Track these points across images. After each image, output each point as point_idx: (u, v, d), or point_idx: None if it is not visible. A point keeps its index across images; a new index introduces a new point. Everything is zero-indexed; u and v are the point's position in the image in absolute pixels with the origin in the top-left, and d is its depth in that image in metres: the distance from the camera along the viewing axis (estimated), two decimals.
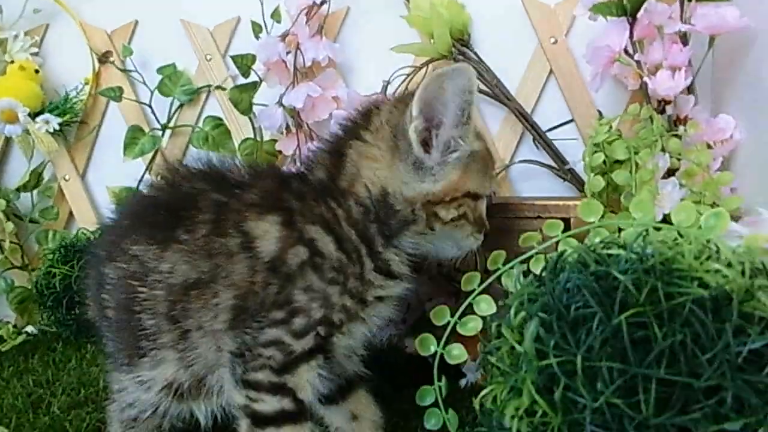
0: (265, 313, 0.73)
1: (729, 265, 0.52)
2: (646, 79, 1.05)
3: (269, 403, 0.71)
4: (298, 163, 1.23)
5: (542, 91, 1.25)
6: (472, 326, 0.75)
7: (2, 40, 1.47)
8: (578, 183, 1.19)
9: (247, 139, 1.35)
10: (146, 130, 1.42)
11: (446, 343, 0.77)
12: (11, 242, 1.47)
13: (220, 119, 1.39)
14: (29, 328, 1.44)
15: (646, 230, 0.58)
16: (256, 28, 1.28)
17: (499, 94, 1.23)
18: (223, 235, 0.75)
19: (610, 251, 0.56)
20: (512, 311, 0.57)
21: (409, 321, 1.09)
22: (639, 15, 1.03)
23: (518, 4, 1.23)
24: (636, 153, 0.99)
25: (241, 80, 1.34)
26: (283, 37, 1.23)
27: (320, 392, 0.77)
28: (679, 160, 1.02)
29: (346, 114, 0.91)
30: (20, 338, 1.35)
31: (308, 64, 1.23)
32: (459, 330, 0.76)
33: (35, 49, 1.49)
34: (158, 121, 1.43)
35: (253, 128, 1.35)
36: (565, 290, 0.54)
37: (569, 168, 1.20)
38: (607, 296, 0.51)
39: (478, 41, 1.25)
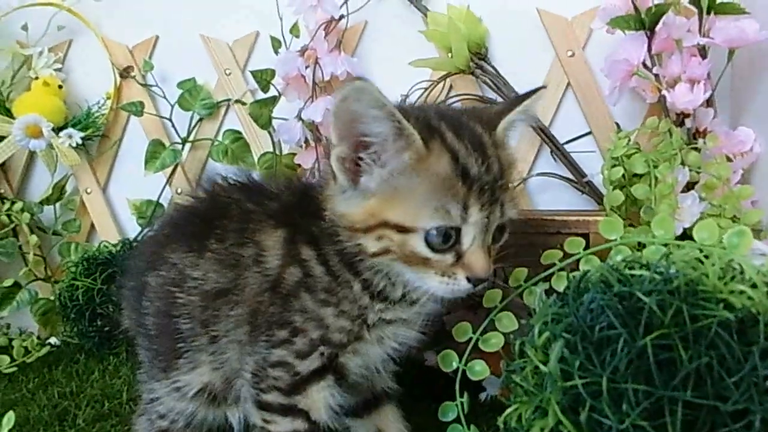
0: (271, 332, 0.73)
1: (754, 285, 0.52)
2: (664, 92, 1.05)
3: (282, 425, 0.72)
4: (317, 177, 1.24)
5: (560, 103, 1.25)
6: (494, 342, 0.76)
7: (27, 57, 1.50)
8: (596, 195, 1.19)
9: (266, 152, 1.36)
10: (167, 144, 1.44)
11: (468, 359, 0.78)
12: (35, 254, 1.49)
13: (240, 133, 1.41)
14: (52, 340, 1.46)
15: (669, 250, 0.58)
16: (275, 43, 1.30)
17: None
18: (243, 245, 0.76)
19: (633, 271, 0.56)
20: (536, 331, 0.58)
21: (428, 334, 1.09)
22: (657, 28, 1.04)
23: (535, 17, 1.24)
24: (655, 167, 0.99)
25: (261, 95, 1.36)
26: (302, 51, 1.25)
27: (342, 407, 0.77)
28: (698, 173, 1.02)
29: None
30: (44, 350, 1.37)
31: (327, 78, 1.24)
32: (481, 346, 0.77)
33: (59, 65, 1.52)
34: (178, 135, 1.45)
35: (273, 142, 1.36)
36: (589, 311, 0.54)
37: (587, 180, 1.20)
38: (631, 317, 0.52)
39: (495, 55, 1.26)
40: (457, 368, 0.78)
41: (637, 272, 0.56)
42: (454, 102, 1.26)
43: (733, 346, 0.48)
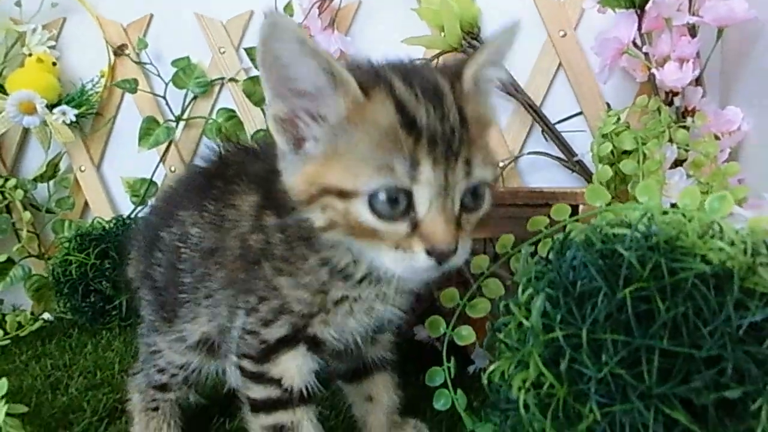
0: (244, 299, 0.73)
1: (732, 244, 0.54)
2: (654, 70, 1.06)
3: (256, 391, 0.72)
4: None
5: (551, 83, 1.26)
6: (481, 308, 0.77)
7: (21, 34, 1.50)
8: (586, 174, 1.20)
9: (259, 130, 1.37)
10: (161, 121, 1.44)
11: (455, 327, 0.79)
12: (28, 231, 1.50)
13: (233, 111, 1.41)
14: (46, 315, 1.47)
15: (651, 212, 0.59)
16: None
17: (508, 86, 1.25)
18: (227, 208, 0.75)
19: (615, 230, 0.57)
20: (520, 288, 0.59)
21: (418, 310, 1.10)
22: (647, 7, 1.05)
23: None
24: (644, 143, 1.00)
25: (254, 72, 1.37)
26: None
27: (320, 373, 0.75)
28: (686, 151, 1.03)
29: None
30: (37, 324, 1.38)
31: None
32: (468, 312, 0.78)
33: (52, 43, 1.52)
34: (172, 113, 1.46)
35: (266, 120, 1.36)
36: (571, 268, 0.55)
37: (578, 160, 1.21)
38: (612, 273, 0.53)
39: (487, 34, 1.27)
40: (444, 334, 0.79)
41: (619, 231, 0.57)
42: None
43: (709, 298, 0.49)
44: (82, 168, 1.55)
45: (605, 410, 0.49)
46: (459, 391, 0.77)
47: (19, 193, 1.48)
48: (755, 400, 0.46)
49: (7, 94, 1.42)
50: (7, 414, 0.75)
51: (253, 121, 1.41)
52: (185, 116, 1.46)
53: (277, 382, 0.71)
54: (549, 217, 0.79)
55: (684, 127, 1.05)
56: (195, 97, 1.46)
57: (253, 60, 1.33)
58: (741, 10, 1.00)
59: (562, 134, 1.24)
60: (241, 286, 0.73)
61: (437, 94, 0.60)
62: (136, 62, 1.49)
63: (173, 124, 1.44)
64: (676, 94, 1.09)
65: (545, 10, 1.24)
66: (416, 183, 0.58)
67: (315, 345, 0.73)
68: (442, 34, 1.23)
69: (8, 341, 1.29)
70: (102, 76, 1.51)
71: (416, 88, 0.60)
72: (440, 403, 0.78)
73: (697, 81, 1.09)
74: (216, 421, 0.91)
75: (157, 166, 1.48)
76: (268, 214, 0.71)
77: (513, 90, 1.25)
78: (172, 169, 1.48)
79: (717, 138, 1.07)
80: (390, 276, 0.65)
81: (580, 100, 1.25)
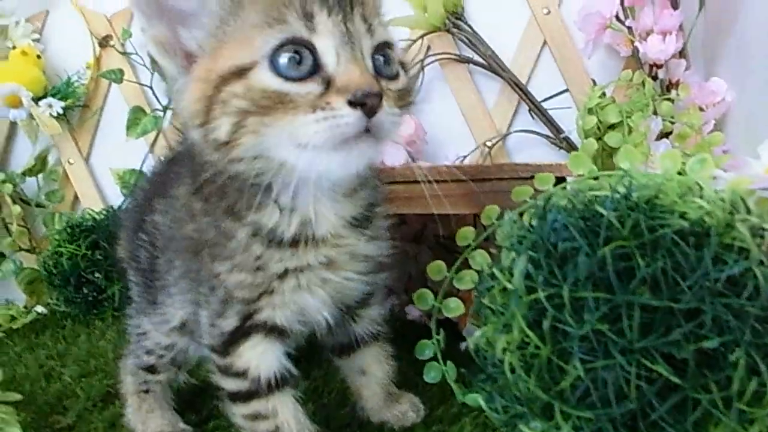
0: (198, 289, 0.71)
1: (711, 202, 0.54)
2: (637, 44, 1.06)
3: (227, 384, 0.71)
4: None
5: (536, 61, 1.26)
6: (468, 279, 0.77)
7: (3, 27, 1.49)
8: (574, 151, 1.21)
9: None
10: (148, 111, 1.44)
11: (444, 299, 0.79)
12: (19, 225, 1.50)
13: None
14: (38, 308, 1.47)
15: (630, 173, 0.60)
16: None
17: (494, 65, 1.25)
18: (173, 197, 0.73)
19: (595, 192, 0.58)
20: (503, 253, 0.59)
21: (411, 291, 1.11)
22: None
23: None
24: (628, 116, 1.01)
25: None
26: None
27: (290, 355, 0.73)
28: (672, 123, 1.04)
29: None
30: (30, 316, 1.38)
31: None
32: (455, 284, 0.78)
33: (36, 35, 1.51)
34: (159, 103, 1.45)
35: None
36: (552, 230, 0.56)
37: (565, 137, 1.22)
38: (592, 233, 0.53)
39: (471, 14, 1.27)
40: (433, 306, 0.79)
41: (599, 193, 0.58)
42: (431, 63, 1.27)
43: (688, 253, 0.49)
44: (71, 160, 1.55)
45: (588, 366, 0.50)
46: (449, 362, 0.78)
47: (8, 187, 1.48)
48: (733, 351, 0.47)
49: None
50: (1, 402, 0.76)
51: None
52: (172, 106, 1.45)
53: (243, 374, 0.69)
54: (534, 189, 0.79)
55: (668, 99, 1.05)
56: None
57: None
58: None
59: (549, 112, 1.24)
60: (195, 276, 0.71)
61: None
62: (121, 53, 1.48)
63: (161, 114, 1.44)
64: (660, 66, 1.09)
65: None
66: (315, 33, 0.55)
67: (273, 332, 0.69)
68: (426, 14, 1.23)
69: (2, 334, 1.29)
70: (88, 68, 1.50)
71: None
72: (430, 376, 0.79)
73: (681, 53, 1.09)
74: (209, 402, 0.92)
75: (146, 157, 1.48)
76: (195, 199, 0.68)
77: (499, 68, 1.25)
78: (162, 158, 1.47)
79: (701, 110, 1.08)
80: (314, 171, 0.58)
81: (565, 77, 1.25)
